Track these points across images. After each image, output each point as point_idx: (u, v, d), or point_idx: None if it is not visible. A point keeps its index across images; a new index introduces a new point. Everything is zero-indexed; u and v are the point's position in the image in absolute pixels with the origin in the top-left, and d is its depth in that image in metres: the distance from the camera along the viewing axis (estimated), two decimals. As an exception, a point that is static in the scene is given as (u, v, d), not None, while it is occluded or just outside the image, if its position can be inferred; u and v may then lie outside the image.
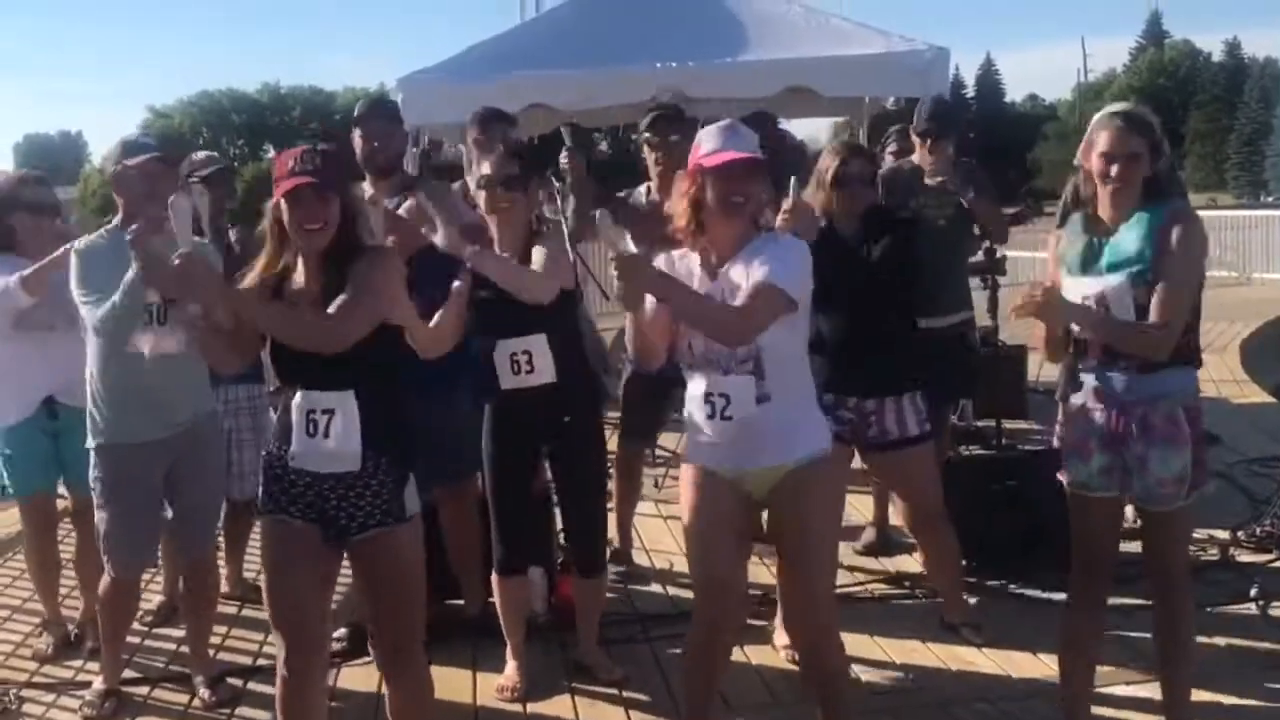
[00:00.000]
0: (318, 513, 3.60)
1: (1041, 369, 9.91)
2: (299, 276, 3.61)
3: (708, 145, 3.70)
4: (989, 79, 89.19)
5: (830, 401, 4.72)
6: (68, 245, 4.70)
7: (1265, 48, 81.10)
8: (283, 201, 3.51)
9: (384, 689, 4.57)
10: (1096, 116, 3.81)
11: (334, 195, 3.55)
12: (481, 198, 4.54)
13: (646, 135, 5.74)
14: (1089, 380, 3.84)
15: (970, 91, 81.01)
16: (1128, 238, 3.70)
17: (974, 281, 6.62)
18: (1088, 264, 3.75)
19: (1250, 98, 74.97)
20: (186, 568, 4.91)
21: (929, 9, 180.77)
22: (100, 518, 4.61)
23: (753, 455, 3.72)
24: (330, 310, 3.49)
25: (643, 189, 5.85)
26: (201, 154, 5.93)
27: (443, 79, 8.58)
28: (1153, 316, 3.64)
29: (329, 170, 3.55)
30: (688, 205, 3.71)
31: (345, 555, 3.72)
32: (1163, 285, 3.63)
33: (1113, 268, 3.70)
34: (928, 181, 6.03)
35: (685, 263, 3.76)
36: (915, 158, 6.18)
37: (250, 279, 3.61)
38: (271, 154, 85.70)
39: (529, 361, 4.51)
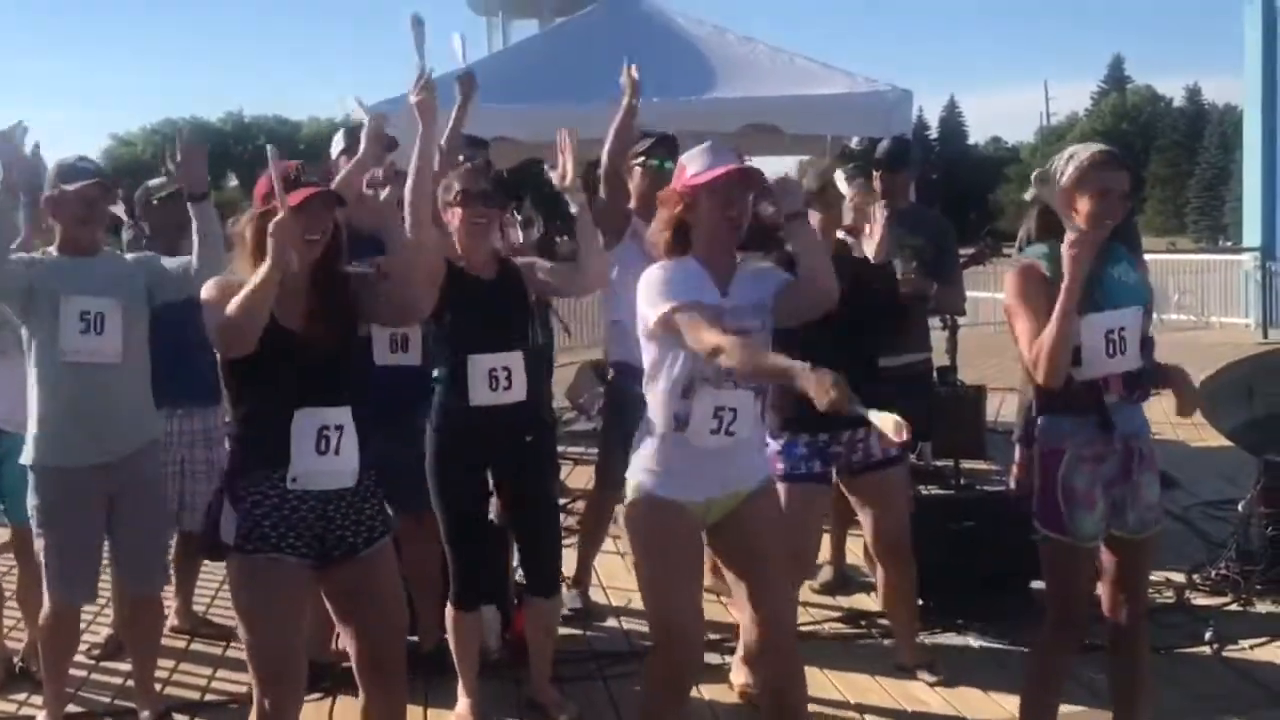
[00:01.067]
0: (315, 538, 3.50)
1: (1000, 409, 9.96)
2: (289, 291, 3.47)
3: (695, 165, 3.70)
4: (952, 121, 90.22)
5: (825, 440, 4.74)
6: None
7: (1225, 94, 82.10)
8: (286, 211, 3.37)
9: (333, 726, 4.55)
10: (1080, 155, 3.74)
11: (334, 206, 3.54)
12: (455, 215, 4.47)
13: (642, 160, 5.69)
14: (1087, 427, 3.79)
15: (934, 133, 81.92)
16: (1123, 271, 3.81)
17: (933, 322, 6.64)
18: (1092, 300, 3.71)
19: (1210, 143, 76.08)
20: (129, 605, 4.81)
21: (893, 51, 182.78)
22: (39, 546, 4.55)
23: (733, 478, 3.75)
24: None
25: None
26: (156, 180, 5.87)
27: (409, 109, 8.56)
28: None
29: (327, 183, 3.56)
30: (671, 228, 3.71)
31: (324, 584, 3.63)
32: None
33: (1122, 300, 3.76)
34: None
35: (687, 272, 3.69)
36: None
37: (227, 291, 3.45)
38: (234, 183, 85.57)
39: (508, 378, 4.46)
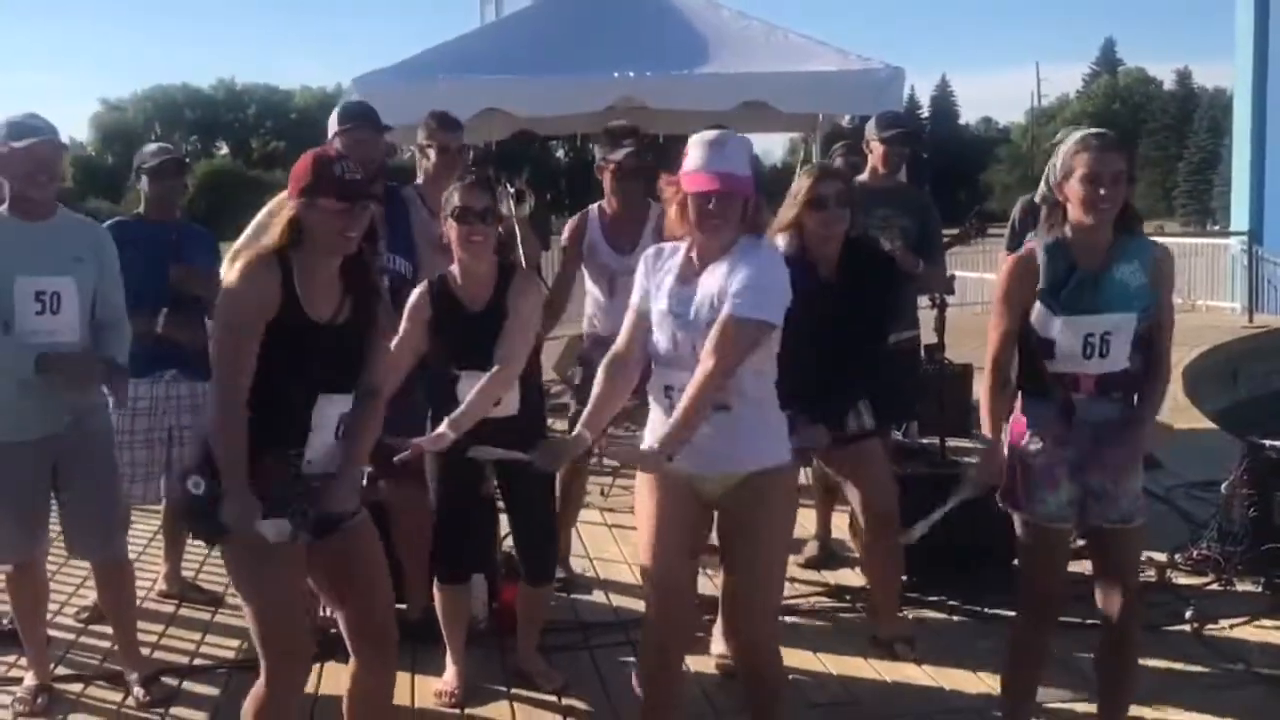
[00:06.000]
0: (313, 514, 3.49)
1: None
2: (320, 283, 3.45)
3: (691, 158, 3.66)
4: (944, 101, 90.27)
5: (802, 418, 4.72)
6: None
7: (1215, 78, 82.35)
8: (328, 207, 3.35)
9: (321, 690, 4.57)
10: (1068, 142, 3.73)
11: (371, 205, 3.48)
12: (453, 230, 4.44)
13: (612, 166, 5.67)
14: (1049, 413, 3.82)
15: (925, 112, 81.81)
16: (1126, 272, 3.71)
17: (922, 300, 6.66)
18: (1082, 300, 3.70)
19: (1200, 127, 76.17)
20: (95, 571, 4.79)
21: (886, 30, 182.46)
22: None
23: (709, 463, 3.69)
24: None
25: (594, 208, 5.82)
26: (152, 146, 5.84)
27: (400, 80, 8.56)
28: (1154, 360, 3.82)
29: (367, 178, 3.53)
30: (678, 209, 3.68)
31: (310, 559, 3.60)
32: (1164, 330, 3.81)
33: (1118, 304, 3.70)
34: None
35: (671, 260, 3.76)
36: (865, 175, 6.22)
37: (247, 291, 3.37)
38: (225, 151, 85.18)
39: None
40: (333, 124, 5.24)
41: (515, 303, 4.47)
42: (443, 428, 4.30)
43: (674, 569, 3.80)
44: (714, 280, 3.63)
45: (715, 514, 3.86)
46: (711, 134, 3.73)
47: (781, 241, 4.68)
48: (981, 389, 3.94)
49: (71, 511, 4.64)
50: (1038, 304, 3.76)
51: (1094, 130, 3.78)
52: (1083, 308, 3.71)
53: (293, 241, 3.41)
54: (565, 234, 5.88)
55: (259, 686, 3.54)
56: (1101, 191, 3.63)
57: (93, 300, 4.54)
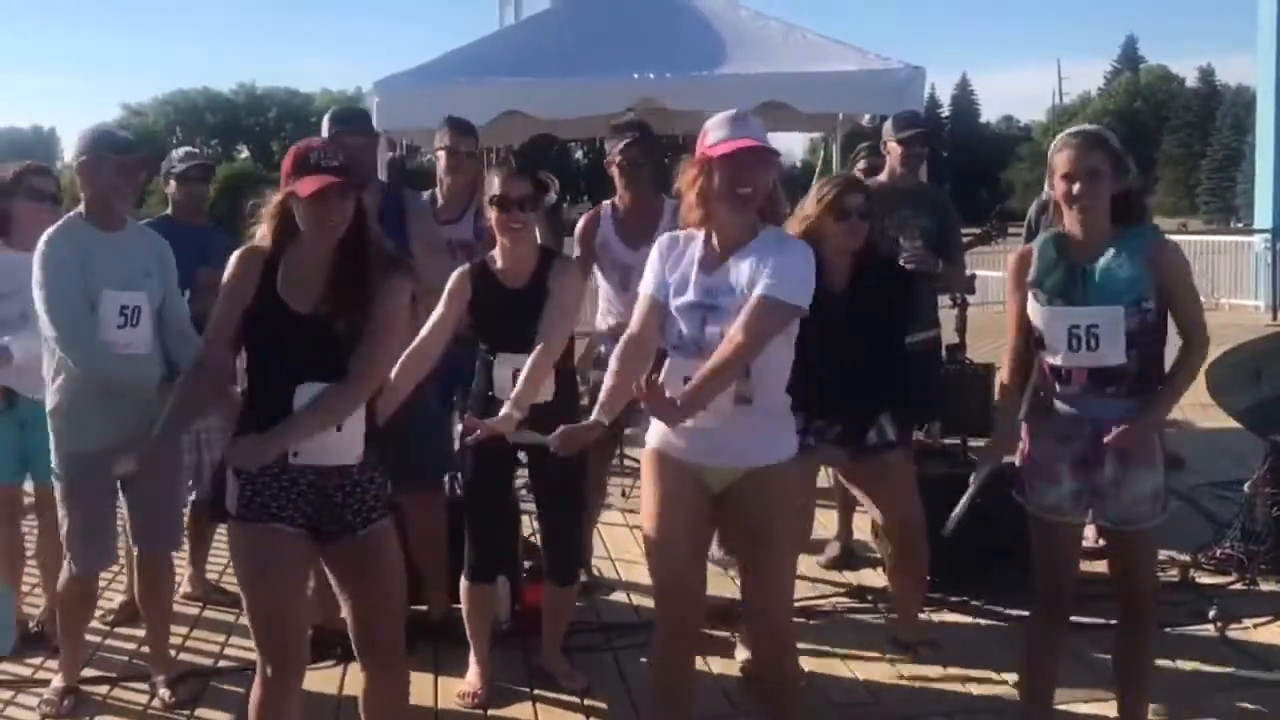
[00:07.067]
0: (315, 511, 3.48)
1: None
2: (305, 274, 3.47)
3: (715, 135, 3.66)
4: (965, 99, 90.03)
5: (820, 425, 4.71)
6: None
7: (1238, 75, 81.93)
8: (302, 198, 3.38)
9: (344, 691, 4.60)
10: (1054, 142, 3.81)
11: (353, 193, 3.48)
12: (493, 216, 4.49)
13: (617, 159, 5.64)
14: (1062, 405, 3.83)
15: (946, 111, 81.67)
16: (1116, 265, 3.69)
17: (943, 300, 6.66)
18: (1071, 292, 3.73)
19: (1223, 124, 75.76)
20: (140, 560, 4.82)
21: (905, 28, 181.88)
22: (62, 514, 4.60)
23: (714, 453, 3.69)
24: (356, 362, 3.45)
25: (607, 205, 5.81)
26: (180, 151, 5.95)
27: (420, 83, 8.58)
28: (1186, 338, 3.79)
29: (348, 167, 3.52)
30: (697, 196, 3.67)
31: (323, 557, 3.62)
32: (1188, 308, 3.78)
33: (1106, 296, 3.69)
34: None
35: (689, 249, 3.73)
36: (884, 175, 6.22)
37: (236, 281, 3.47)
38: (246, 154, 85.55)
39: None
40: (325, 129, 5.24)
41: (555, 284, 4.53)
42: (507, 408, 4.27)
43: (679, 560, 3.75)
44: (744, 268, 3.62)
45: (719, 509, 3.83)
46: (729, 112, 3.74)
47: None
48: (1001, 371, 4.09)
49: (138, 504, 4.67)
50: (1029, 293, 3.83)
51: (1077, 128, 3.84)
52: (1067, 299, 3.74)
53: (285, 233, 3.46)
54: (578, 230, 5.82)
55: (255, 685, 3.59)
56: (1076, 189, 3.68)
57: (158, 312, 4.63)
